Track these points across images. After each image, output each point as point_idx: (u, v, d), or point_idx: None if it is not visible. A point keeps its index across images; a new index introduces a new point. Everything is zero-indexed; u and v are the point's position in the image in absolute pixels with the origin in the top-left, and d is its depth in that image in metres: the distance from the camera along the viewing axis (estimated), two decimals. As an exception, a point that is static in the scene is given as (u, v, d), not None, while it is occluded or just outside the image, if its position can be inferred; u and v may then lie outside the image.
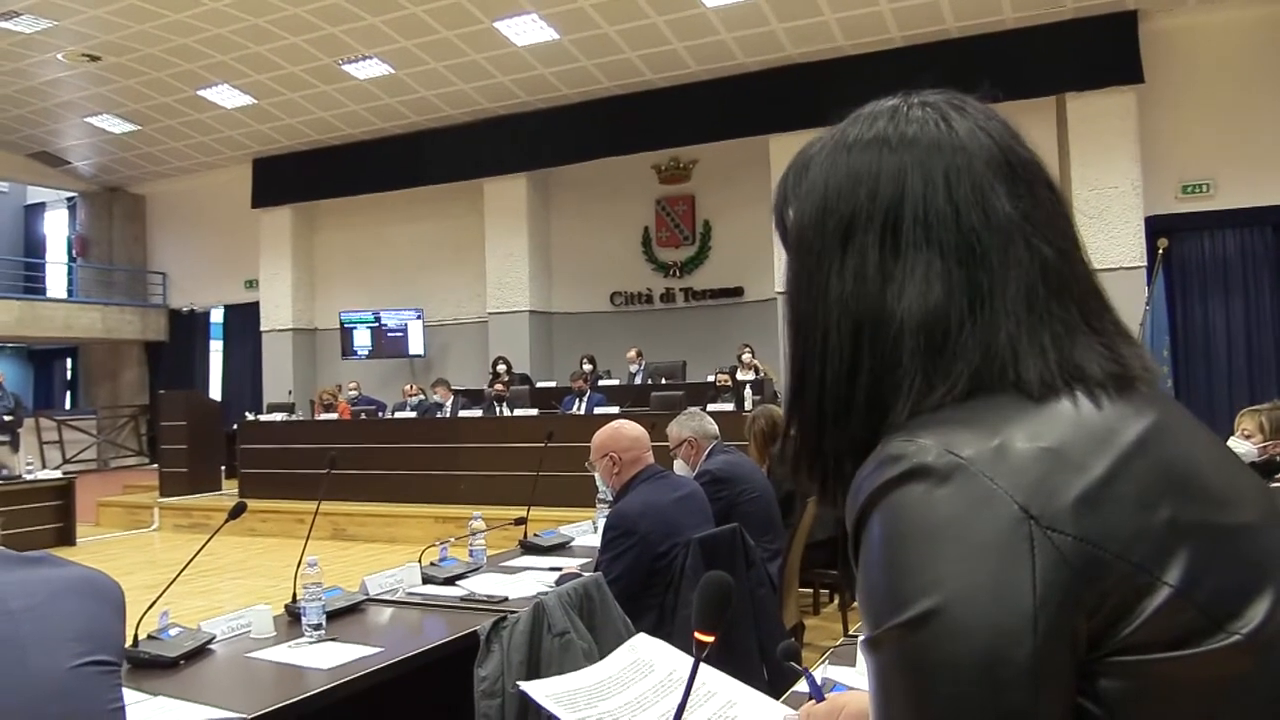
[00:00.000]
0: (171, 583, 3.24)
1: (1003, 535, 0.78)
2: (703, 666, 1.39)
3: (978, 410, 0.85)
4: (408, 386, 14.15)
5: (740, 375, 12.27)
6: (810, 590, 6.68)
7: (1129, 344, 0.91)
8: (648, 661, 2.05)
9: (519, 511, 5.21)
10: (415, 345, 17.07)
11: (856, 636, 3.02)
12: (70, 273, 20.83)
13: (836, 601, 6.65)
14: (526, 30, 13.09)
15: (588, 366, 13.49)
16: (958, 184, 0.90)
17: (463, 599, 3.82)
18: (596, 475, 4.26)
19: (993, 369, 0.86)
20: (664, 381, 13.03)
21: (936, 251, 0.89)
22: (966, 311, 0.87)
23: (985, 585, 0.77)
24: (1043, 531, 0.78)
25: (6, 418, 14.06)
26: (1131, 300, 11.09)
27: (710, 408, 10.15)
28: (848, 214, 0.93)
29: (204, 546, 3.45)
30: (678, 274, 15.79)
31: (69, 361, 23.53)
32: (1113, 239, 12.01)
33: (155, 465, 15.57)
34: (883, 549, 0.81)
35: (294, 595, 3.60)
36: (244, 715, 2.47)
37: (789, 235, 0.98)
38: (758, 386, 11.55)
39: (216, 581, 9.10)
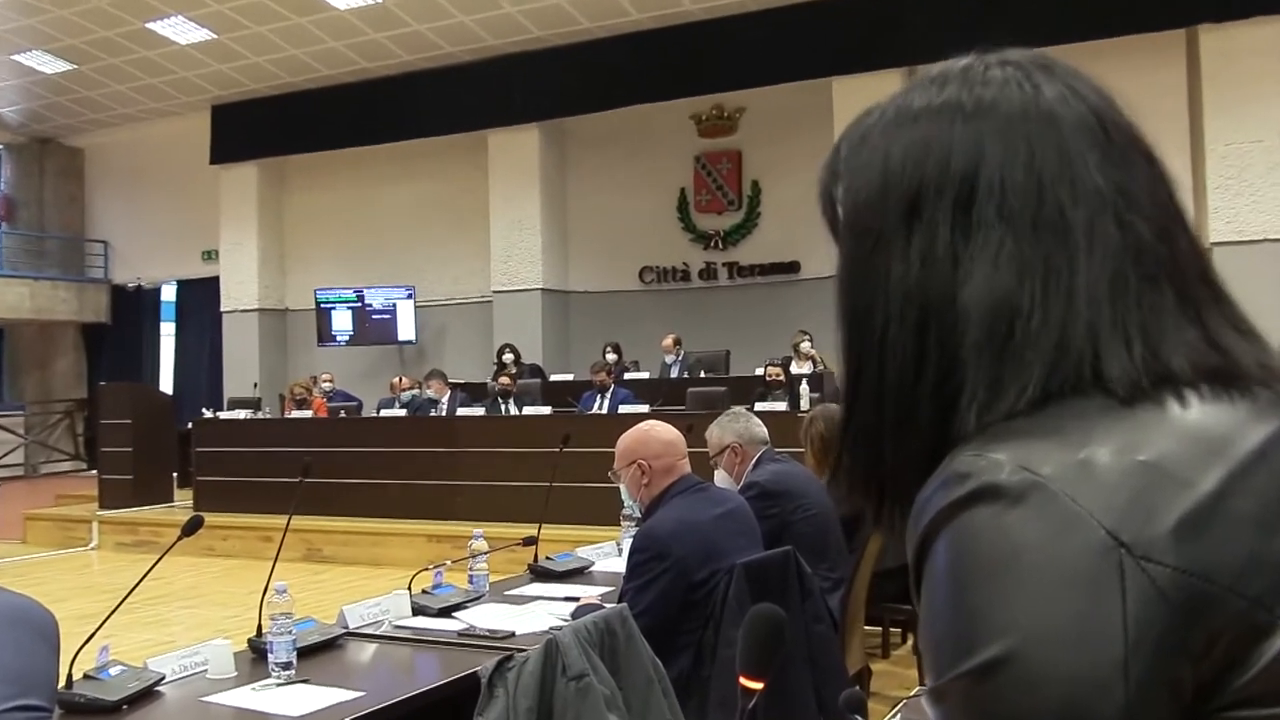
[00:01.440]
0: (113, 612, 3.27)
1: (1087, 567, 0.77)
2: None
3: (1059, 418, 0.85)
4: (396, 379, 14.21)
5: (796, 368, 12.23)
6: (878, 629, 6.66)
7: (1247, 338, 0.90)
8: None
9: (529, 530, 5.21)
10: (405, 330, 17.14)
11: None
12: (-5, 241, 21.08)
13: (911, 643, 6.63)
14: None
15: (611, 356, 13.47)
16: (1041, 153, 0.91)
17: (461, 634, 3.83)
18: (622, 487, 4.26)
19: (1069, 364, 0.87)
20: (703, 375, 13.01)
21: (1010, 230, 0.89)
22: (1039, 298, 0.88)
23: (1066, 627, 0.76)
24: (1136, 562, 0.77)
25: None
26: None
27: (759, 407, 10.11)
28: (914, 188, 0.93)
29: (152, 569, 3.48)
30: (720, 245, 15.76)
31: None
32: (1256, 204, 11.88)
33: (94, 472, 15.72)
34: (946, 583, 0.81)
35: (259, 628, 3.62)
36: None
37: (842, 216, 0.99)
38: (816, 382, 11.51)
39: (166, 611, 9.17)
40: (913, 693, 2.74)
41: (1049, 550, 0.78)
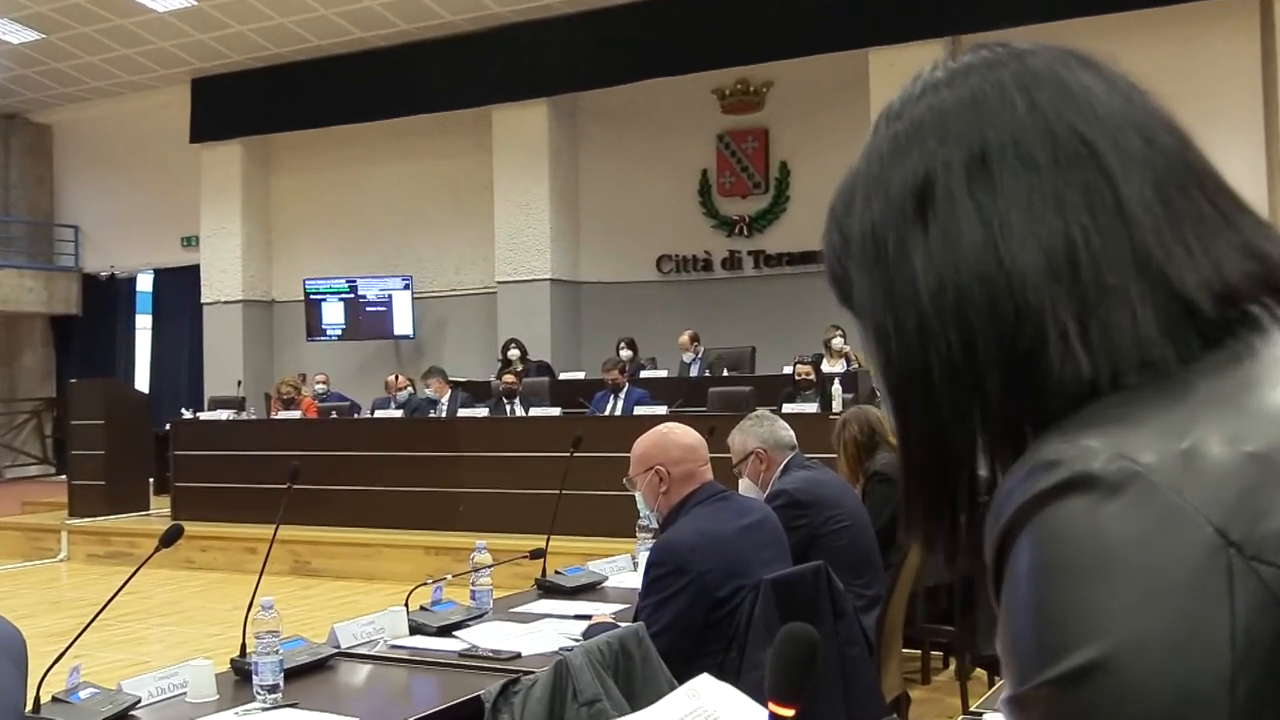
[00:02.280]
0: (84, 630, 3.28)
1: (1192, 567, 0.76)
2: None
3: (1159, 398, 0.84)
4: (392, 377, 14.22)
5: (827, 366, 12.21)
6: (918, 651, 6.64)
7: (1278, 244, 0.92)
8: (711, 714, 2.06)
9: (536, 542, 5.22)
10: (402, 324, 17.17)
11: (978, 715, 3.00)
12: (-43, 226, 21.16)
13: (953, 668, 6.61)
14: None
15: (626, 353, 13.47)
16: (1043, 94, 0.92)
17: (462, 654, 3.83)
18: (638, 495, 4.26)
19: (1148, 281, 0.87)
20: (726, 374, 13.00)
21: (1034, 173, 0.90)
22: (1090, 224, 0.88)
23: (1166, 632, 0.75)
24: (1246, 563, 0.76)
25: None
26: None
27: (787, 409, 10.11)
28: (917, 172, 0.94)
29: (126, 583, 3.49)
30: (745, 232, 15.76)
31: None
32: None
33: (63, 477, 15.78)
34: (1032, 581, 0.80)
35: (243, 647, 3.63)
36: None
37: (850, 258, 1.00)
38: (850, 381, 11.49)
39: (143, 628, 9.21)
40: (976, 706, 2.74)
41: (1149, 547, 0.77)
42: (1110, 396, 0.85)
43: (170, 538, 3.40)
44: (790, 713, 1.36)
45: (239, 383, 17.14)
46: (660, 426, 4.28)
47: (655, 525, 4.32)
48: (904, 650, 5.45)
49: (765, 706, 1.37)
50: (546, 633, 4.08)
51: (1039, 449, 0.84)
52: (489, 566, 4.58)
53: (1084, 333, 0.86)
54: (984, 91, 0.94)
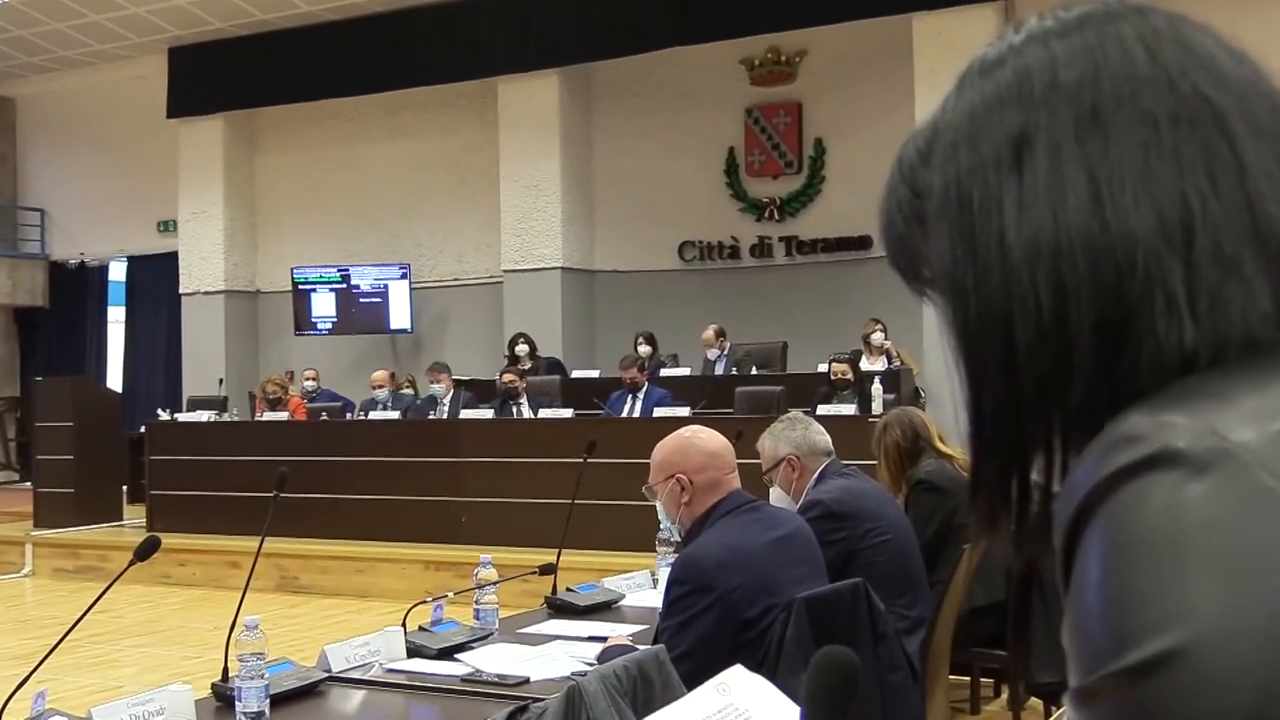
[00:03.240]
0: (51, 652, 3.29)
1: None
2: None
3: (1257, 377, 0.84)
4: (385, 373, 14.23)
5: (867, 364, 12.19)
6: (966, 679, 6.63)
7: None
8: (743, 713, 2.06)
9: (547, 556, 5.22)
10: (399, 317, 17.19)
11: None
12: (-87, 209, 21.23)
13: (1005, 696, 6.60)
14: None
15: (645, 349, 13.46)
16: (1164, 48, 0.93)
17: (465, 680, 3.84)
18: (658, 505, 4.26)
19: (1259, 263, 0.87)
20: (755, 372, 12.99)
21: (1152, 129, 0.90)
22: (1210, 193, 0.88)
23: (1255, 621, 0.75)
24: None
25: None
26: None
27: (822, 410, 10.10)
28: (1017, 120, 0.94)
29: (98, 600, 3.50)
30: (776, 216, 15.74)
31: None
32: None
33: (28, 484, 15.84)
34: (1105, 563, 0.80)
35: (225, 671, 3.64)
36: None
37: (923, 213, 1.00)
38: (891, 380, 11.48)
39: (115, 649, 9.23)
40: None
41: (1238, 530, 0.77)
42: (1204, 373, 0.86)
43: (145, 551, 3.40)
44: (827, 746, 1.35)
45: (221, 381, 17.17)
46: (683, 430, 4.27)
47: (677, 538, 4.31)
48: (951, 677, 5.44)
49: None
50: (557, 656, 4.08)
51: (1119, 425, 0.84)
52: (494, 583, 4.59)
53: (1193, 302, 0.87)
54: (1101, 43, 0.94)
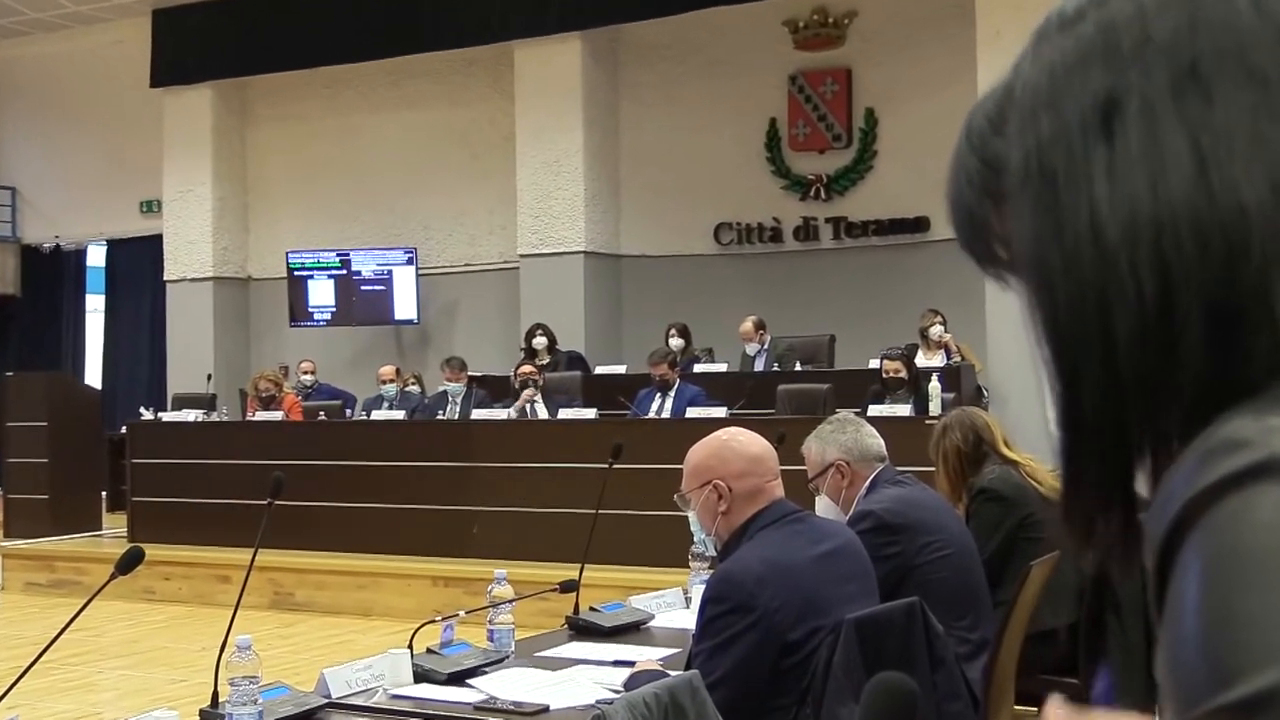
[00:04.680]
0: (23, 675, 3.30)
1: None
2: None
3: None
4: (393, 368, 14.26)
5: (923, 359, 12.16)
6: (1033, 708, 6.60)
7: None
8: None
9: (568, 572, 5.22)
10: (404, 306, 17.23)
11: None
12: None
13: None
14: None
15: (677, 343, 13.45)
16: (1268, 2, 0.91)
17: (478, 707, 3.84)
18: (692, 516, 4.25)
19: None
20: (799, 368, 12.98)
21: (1264, 88, 0.88)
22: None
23: None
24: None
25: None
26: None
27: (874, 411, 10.08)
28: (1104, 81, 0.92)
29: (75, 618, 3.51)
30: (823, 195, 15.72)
31: None
32: None
33: None
34: (1205, 583, 0.79)
35: (214, 696, 3.65)
36: None
37: (1000, 190, 0.98)
38: (951, 378, 11.45)
39: (94, 672, 9.27)
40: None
41: None
42: None
43: (127, 564, 3.42)
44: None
45: (209, 377, 17.18)
46: (719, 432, 4.27)
47: (713, 552, 4.31)
48: (1016, 707, 5.42)
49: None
50: (580, 682, 4.08)
51: (1220, 428, 0.83)
52: (510, 601, 4.59)
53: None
54: None
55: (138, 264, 19.57)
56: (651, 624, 5.11)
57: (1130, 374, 0.90)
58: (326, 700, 3.87)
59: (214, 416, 14.32)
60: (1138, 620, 5.02)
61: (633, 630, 4.99)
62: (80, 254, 20.69)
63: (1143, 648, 5.01)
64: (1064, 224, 0.92)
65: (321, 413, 13.64)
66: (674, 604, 5.40)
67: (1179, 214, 0.87)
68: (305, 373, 15.21)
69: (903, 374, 11.20)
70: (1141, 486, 0.93)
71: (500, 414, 12.25)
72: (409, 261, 17.19)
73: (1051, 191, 0.93)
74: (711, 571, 4.20)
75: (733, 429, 4.32)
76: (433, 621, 4.44)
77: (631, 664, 4.19)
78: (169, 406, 15.04)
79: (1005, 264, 1.01)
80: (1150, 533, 0.85)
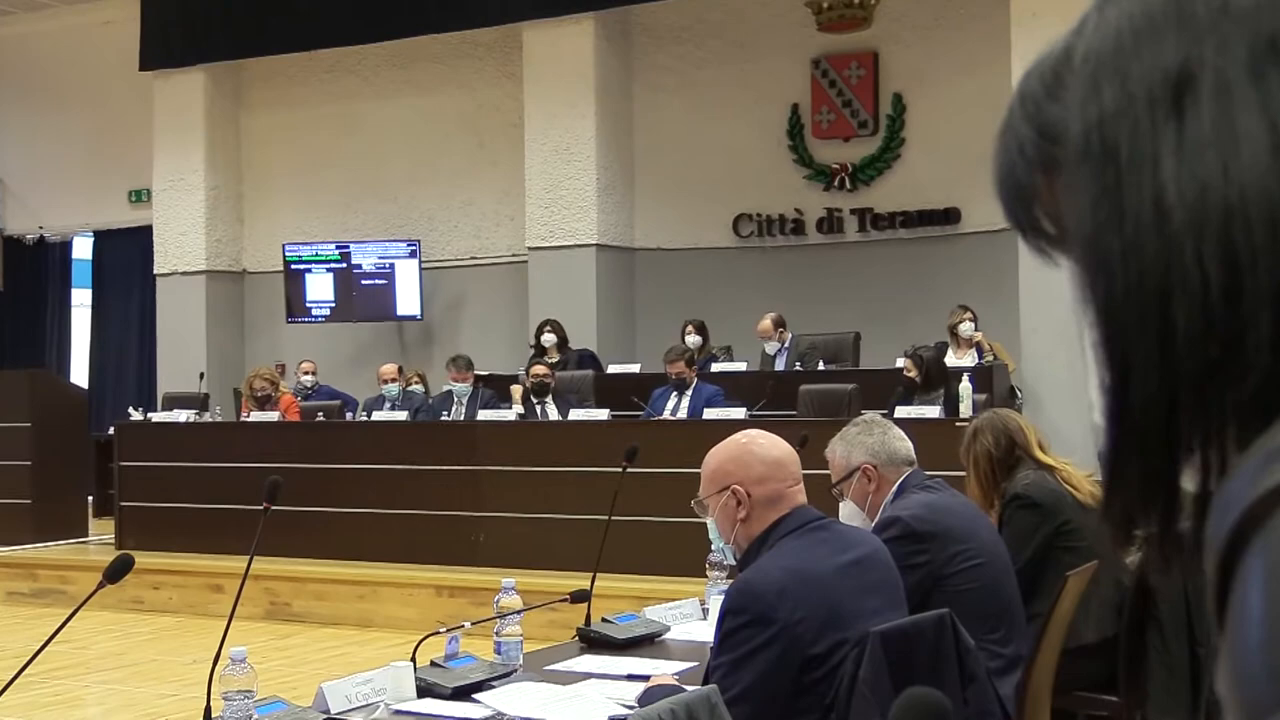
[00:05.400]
0: (4, 689, 3.31)
1: None
2: None
3: None
4: (395, 366, 14.27)
5: (953, 358, 12.15)
6: (1070, 726, 6.61)
7: None
8: None
9: (579, 581, 5.22)
10: (407, 302, 17.24)
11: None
12: None
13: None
14: None
15: (694, 340, 13.45)
16: None
17: (483, 724, 3.84)
18: (709, 522, 4.25)
19: None
20: (822, 367, 12.98)
21: None
22: None
23: None
24: None
25: None
26: None
27: (901, 413, 10.07)
28: (1176, 53, 0.91)
29: (60, 630, 3.51)
30: (848, 185, 15.71)
31: None
32: None
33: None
34: (1268, 592, 0.78)
35: (207, 710, 3.65)
36: None
37: (1054, 161, 0.97)
38: (982, 379, 11.43)
39: (80, 686, 9.28)
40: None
41: None
42: None
43: (116, 572, 3.42)
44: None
45: (201, 375, 17.18)
46: (738, 435, 4.26)
47: (732, 561, 4.31)
48: (1052, 725, 5.42)
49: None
50: (591, 697, 4.09)
51: None
52: (518, 612, 4.59)
53: None
54: None
55: (126, 256, 19.59)
56: (667, 636, 5.11)
57: (1188, 366, 0.89)
58: (325, 716, 3.88)
59: (206, 417, 14.34)
60: (1181, 635, 5.02)
61: (647, 643, 4.99)
62: (66, 246, 20.71)
63: (1186, 664, 5.02)
64: (1126, 205, 0.92)
65: (320, 413, 13.64)
66: (691, 615, 5.40)
67: (1251, 200, 0.87)
68: (305, 373, 15.19)
69: (913, 375, 11.17)
70: (1188, 485, 0.93)
71: (508, 415, 12.26)
72: (412, 254, 17.20)
73: (1113, 169, 0.93)
74: (730, 581, 4.19)
75: (753, 431, 4.31)
76: (437, 633, 4.44)
77: (646, 678, 4.19)
78: (159, 406, 15.08)
79: (1053, 239, 1.01)
80: (1211, 538, 0.84)
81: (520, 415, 12.31)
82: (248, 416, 13.82)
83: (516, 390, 12.69)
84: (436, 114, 17.46)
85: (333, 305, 17.45)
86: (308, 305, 17.54)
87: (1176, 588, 4.96)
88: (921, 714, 1.41)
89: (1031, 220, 1.02)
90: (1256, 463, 0.82)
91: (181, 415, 13.97)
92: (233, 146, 18.68)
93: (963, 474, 5.79)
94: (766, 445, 4.17)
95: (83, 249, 20.69)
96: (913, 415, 9.98)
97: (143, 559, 4.72)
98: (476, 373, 13.56)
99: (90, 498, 14.62)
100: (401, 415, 13.09)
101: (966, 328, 12.52)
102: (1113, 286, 0.93)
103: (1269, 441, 0.82)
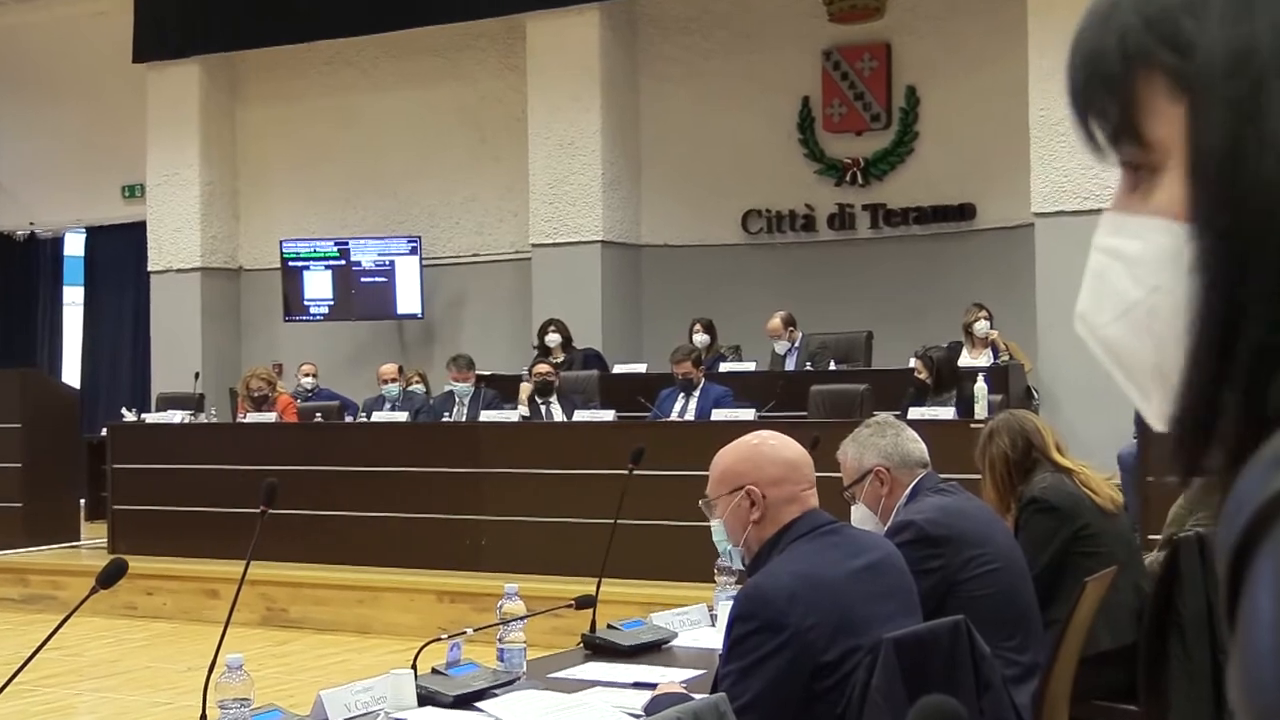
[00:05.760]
0: (-2, 694, 3.31)
1: None
2: None
3: None
4: (395, 366, 14.27)
5: (968, 357, 12.14)
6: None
7: None
8: None
9: (584, 586, 5.22)
10: (408, 300, 17.24)
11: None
12: None
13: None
14: None
15: (702, 339, 13.45)
16: None
17: (486, 734, 3.84)
18: (716, 524, 4.24)
19: None
20: (834, 367, 12.98)
21: None
22: None
23: None
24: None
25: None
26: None
27: (914, 414, 10.07)
28: None
29: (51, 636, 3.52)
30: (860, 180, 15.70)
31: None
32: None
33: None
34: (1276, 599, 0.79)
35: (202, 718, 3.65)
36: None
37: (1194, 72, 0.94)
38: (997, 379, 11.42)
39: (72, 694, 9.29)
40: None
41: None
42: None
43: (109, 577, 3.42)
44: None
45: (196, 375, 17.18)
46: (749, 436, 4.24)
47: (741, 565, 4.30)
48: (1070, 734, 5.42)
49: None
50: (596, 706, 4.09)
51: None
52: (521, 618, 4.59)
53: None
54: None
55: (119, 253, 19.58)
56: (674, 643, 5.10)
57: None
58: (323, 724, 3.88)
59: (202, 418, 14.35)
60: (1203, 641, 5.01)
61: (654, 650, 4.98)
62: (57, 242, 20.71)
63: (1208, 672, 5.00)
64: (1266, 138, 0.90)
65: (318, 414, 13.63)
66: (699, 621, 5.40)
67: None
68: (306, 375, 15.19)
69: (924, 376, 11.16)
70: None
71: (510, 416, 12.26)
72: (413, 251, 17.20)
73: (1255, 99, 0.91)
74: (739, 586, 4.19)
75: (763, 432, 4.30)
76: (438, 640, 4.44)
77: (652, 686, 4.19)
78: (153, 407, 15.07)
79: (1129, 156, 0.99)
80: (1222, 540, 0.84)
81: (524, 416, 12.31)
82: (244, 417, 13.82)
83: (525, 389, 12.68)
84: (437, 107, 17.46)
85: (331, 303, 17.46)
86: (305, 303, 17.54)
87: (1198, 591, 4.95)
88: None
89: (1110, 125, 0.99)
90: (1266, 463, 0.82)
91: (176, 416, 13.96)
92: (228, 141, 18.68)
93: (978, 477, 5.79)
94: (779, 446, 4.17)
95: (75, 246, 20.69)
96: (926, 416, 9.97)
97: (136, 563, 4.73)
98: (478, 373, 13.59)
99: (82, 501, 14.63)
100: (402, 416, 13.08)
101: (981, 326, 12.51)
102: (1239, 214, 0.91)
103: (1276, 443, 0.82)
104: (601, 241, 15.91)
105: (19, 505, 13.87)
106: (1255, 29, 0.91)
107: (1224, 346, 0.92)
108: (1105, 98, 0.99)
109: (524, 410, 12.46)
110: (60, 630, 3.47)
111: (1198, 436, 0.94)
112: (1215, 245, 0.92)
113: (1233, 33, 0.92)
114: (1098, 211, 1.32)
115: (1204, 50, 0.93)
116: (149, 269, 18.55)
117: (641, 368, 13.94)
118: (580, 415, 11.92)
